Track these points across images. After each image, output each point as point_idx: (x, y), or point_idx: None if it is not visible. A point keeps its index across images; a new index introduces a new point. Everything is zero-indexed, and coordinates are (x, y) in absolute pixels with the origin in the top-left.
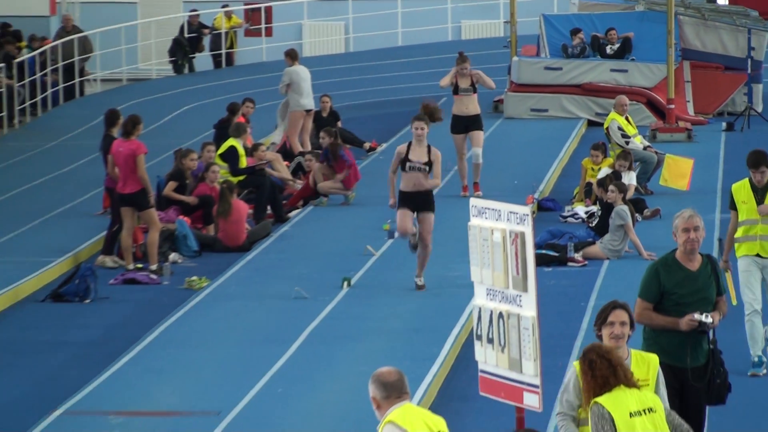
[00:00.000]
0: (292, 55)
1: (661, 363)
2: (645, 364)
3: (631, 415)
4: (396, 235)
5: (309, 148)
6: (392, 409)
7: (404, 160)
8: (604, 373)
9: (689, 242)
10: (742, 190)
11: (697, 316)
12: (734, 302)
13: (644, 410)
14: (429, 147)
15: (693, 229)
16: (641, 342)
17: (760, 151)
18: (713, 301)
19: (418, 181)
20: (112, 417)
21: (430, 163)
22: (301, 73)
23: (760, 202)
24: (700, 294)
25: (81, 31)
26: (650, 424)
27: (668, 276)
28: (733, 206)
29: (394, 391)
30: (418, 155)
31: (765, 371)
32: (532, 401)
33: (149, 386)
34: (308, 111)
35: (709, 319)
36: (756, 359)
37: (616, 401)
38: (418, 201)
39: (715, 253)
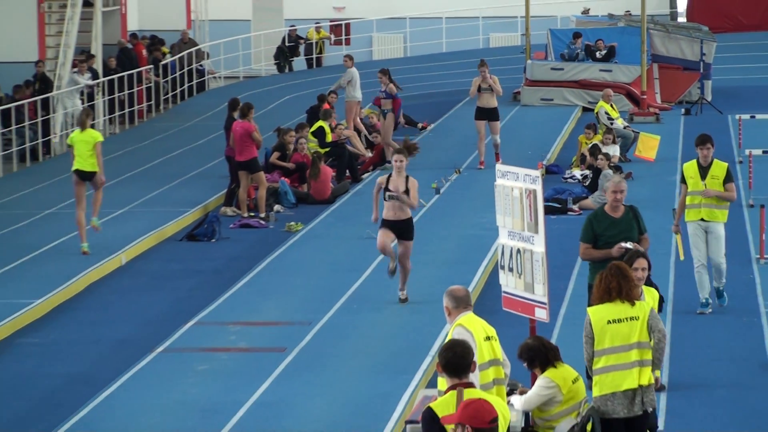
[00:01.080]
0: (351, 59)
1: None
2: (651, 295)
3: (608, 322)
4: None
5: (362, 128)
6: (460, 316)
7: (385, 190)
8: (609, 285)
9: (614, 201)
10: (690, 168)
11: (623, 244)
12: (682, 258)
13: (626, 318)
14: (407, 177)
15: (619, 192)
16: (588, 271)
17: (706, 133)
18: (636, 239)
19: (399, 210)
20: (231, 326)
21: (407, 192)
22: (357, 73)
23: (703, 177)
24: (624, 234)
25: (195, 44)
26: (627, 329)
27: (598, 223)
28: (683, 180)
29: (462, 303)
30: (396, 185)
31: (710, 310)
32: (541, 314)
33: (258, 303)
34: (358, 101)
35: (631, 246)
36: (703, 301)
37: (600, 311)
38: (400, 229)
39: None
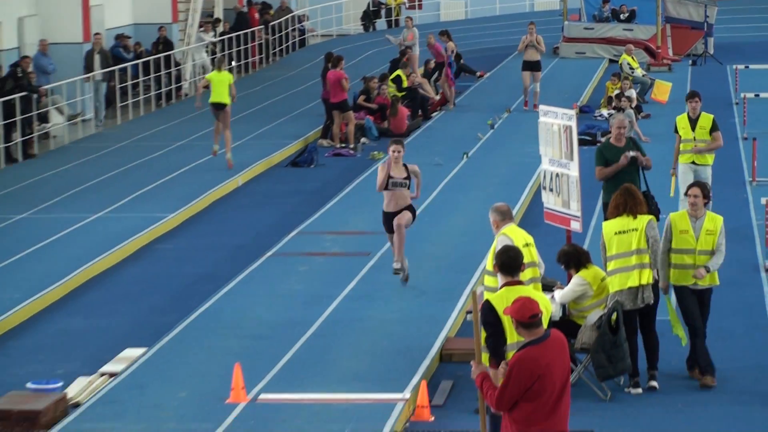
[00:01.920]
0: (412, 20)
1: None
2: (713, 221)
3: (616, 233)
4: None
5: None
6: (504, 227)
7: (387, 177)
8: (618, 202)
9: (618, 134)
10: (682, 120)
11: (628, 153)
12: (671, 195)
13: (629, 230)
14: (405, 165)
15: (622, 127)
16: (601, 190)
17: (694, 89)
18: None
19: (400, 199)
20: (326, 235)
21: (409, 177)
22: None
23: (693, 127)
24: None
25: (291, 11)
26: (628, 238)
27: (608, 151)
28: (676, 131)
29: (506, 216)
30: (397, 172)
31: None
32: (575, 226)
33: (348, 216)
34: (417, 54)
35: (635, 153)
36: None
37: (610, 224)
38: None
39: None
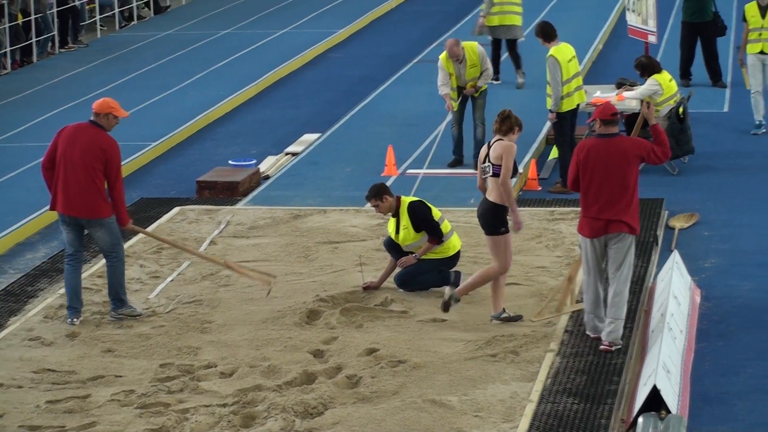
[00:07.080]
0: None
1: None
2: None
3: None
4: None
5: None
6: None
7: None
8: None
9: None
10: (751, 8)
11: None
12: (748, 87)
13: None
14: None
15: None
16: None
17: None
18: None
19: None
20: None
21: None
22: None
23: (763, 15)
24: None
25: None
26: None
27: None
28: (744, 19)
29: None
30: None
31: (763, 131)
32: (652, 39)
33: None
34: None
35: None
36: (757, 122)
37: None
38: None
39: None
